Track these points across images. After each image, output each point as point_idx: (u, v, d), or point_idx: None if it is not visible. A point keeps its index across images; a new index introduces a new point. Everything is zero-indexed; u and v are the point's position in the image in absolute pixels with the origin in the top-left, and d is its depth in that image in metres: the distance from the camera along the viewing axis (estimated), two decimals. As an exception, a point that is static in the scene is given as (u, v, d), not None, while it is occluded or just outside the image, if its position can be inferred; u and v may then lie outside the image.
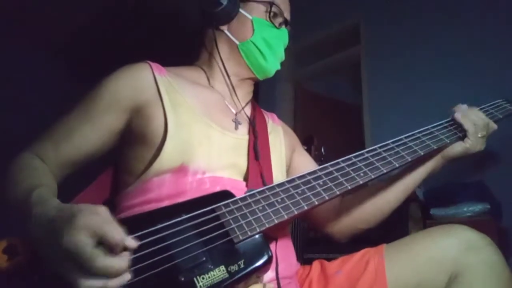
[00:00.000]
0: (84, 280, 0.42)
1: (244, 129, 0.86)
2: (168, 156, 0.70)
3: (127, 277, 0.45)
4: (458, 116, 0.85)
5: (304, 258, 1.87)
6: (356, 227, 0.90)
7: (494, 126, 0.88)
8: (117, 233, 0.44)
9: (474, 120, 0.84)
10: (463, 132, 0.84)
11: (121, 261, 0.44)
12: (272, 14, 0.88)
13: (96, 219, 0.44)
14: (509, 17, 1.85)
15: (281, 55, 0.92)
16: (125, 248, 0.45)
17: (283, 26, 0.91)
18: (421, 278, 0.70)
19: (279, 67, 0.93)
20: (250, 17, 0.87)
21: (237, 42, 0.87)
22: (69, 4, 2.79)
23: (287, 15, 0.92)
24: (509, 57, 1.79)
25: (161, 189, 0.69)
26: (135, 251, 0.47)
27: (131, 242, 0.46)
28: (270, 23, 0.88)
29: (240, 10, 0.87)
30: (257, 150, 0.80)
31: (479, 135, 0.84)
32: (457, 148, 0.84)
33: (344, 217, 0.90)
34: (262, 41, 0.86)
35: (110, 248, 0.44)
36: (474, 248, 0.68)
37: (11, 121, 2.74)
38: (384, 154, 0.77)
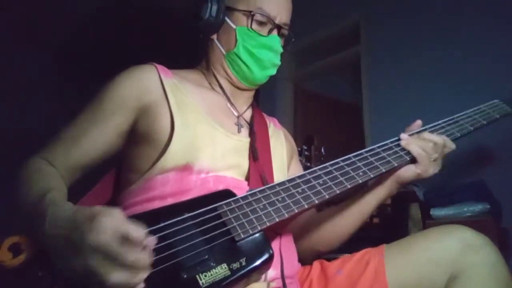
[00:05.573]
0: (113, 273, 0.44)
1: (246, 131, 0.86)
2: (174, 155, 0.70)
3: (147, 273, 0.47)
4: (403, 143, 0.79)
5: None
6: (314, 249, 0.89)
7: (452, 146, 0.82)
8: (139, 231, 0.46)
9: (421, 145, 0.78)
10: (411, 156, 0.78)
11: (147, 255, 0.47)
12: (256, 22, 0.84)
13: (116, 220, 0.46)
14: (511, 19, 1.85)
15: (271, 63, 0.87)
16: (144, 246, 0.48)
17: (274, 33, 0.86)
18: (421, 278, 0.71)
19: (272, 73, 0.90)
20: (234, 27, 0.86)
21: (224, 52, 0.87)
22: (70, 4, 2.79)
23: (280, 19, 0.87)
24: (510, 58, 1.79)
25: (164, 187, 0.70)
26: None
27: (150, 239, 0.48)
28: (254, 32, 0.84)
29: (226, 19, 0.86)
30: (256, 152, 0.81)
31: (432, 159, 0.78)
32: (409, 173, 0.78)
33: (303, 239, 0.88)
34: (245, 52, 0.85)
35: (132, 245, 0.46)
36: (473, 248, 0.69)
37: (11, 121, 2.74)
38: (383, 154, 0.77)
